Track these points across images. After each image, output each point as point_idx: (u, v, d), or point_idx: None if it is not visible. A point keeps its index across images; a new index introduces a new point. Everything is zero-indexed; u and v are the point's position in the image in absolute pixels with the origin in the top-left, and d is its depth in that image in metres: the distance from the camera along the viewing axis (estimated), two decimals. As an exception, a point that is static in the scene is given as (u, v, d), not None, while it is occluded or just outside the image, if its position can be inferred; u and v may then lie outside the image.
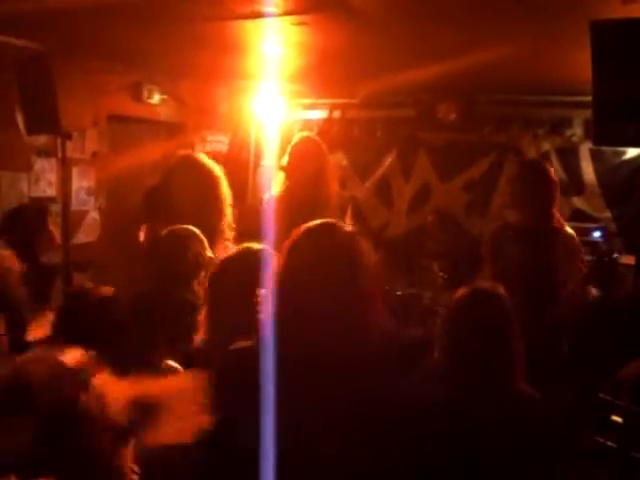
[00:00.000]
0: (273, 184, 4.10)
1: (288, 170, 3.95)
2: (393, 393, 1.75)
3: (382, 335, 1.77)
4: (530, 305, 3.40)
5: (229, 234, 3.69)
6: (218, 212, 3.70)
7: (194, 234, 3.31)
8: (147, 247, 3.46)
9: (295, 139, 4.10)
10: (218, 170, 3.81)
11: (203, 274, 3.33)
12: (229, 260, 2.40)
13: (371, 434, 1.63)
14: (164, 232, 3.32)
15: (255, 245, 2.39)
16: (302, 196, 3.88)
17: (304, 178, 3.90)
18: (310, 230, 1.84)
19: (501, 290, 2.38)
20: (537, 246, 3.72)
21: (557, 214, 3.87)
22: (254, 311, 1.83)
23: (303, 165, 3.91)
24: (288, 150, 4.05)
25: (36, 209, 4.29)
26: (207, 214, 3.60)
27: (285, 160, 4.02)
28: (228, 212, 3.74)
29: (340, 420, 1.61)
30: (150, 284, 3.18)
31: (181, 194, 3.61)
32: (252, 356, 1.67)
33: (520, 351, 2.28)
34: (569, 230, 3.88)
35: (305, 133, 4.40)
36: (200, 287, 3.31)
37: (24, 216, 4.06)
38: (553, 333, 3.61)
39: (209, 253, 3.30)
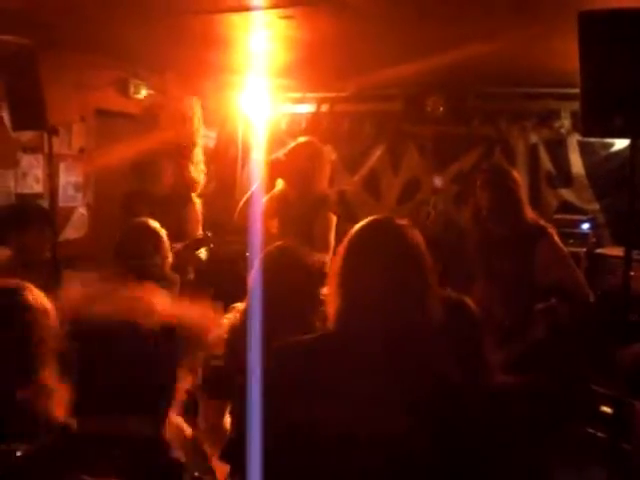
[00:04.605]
0: (262, 179, 4.24)
1: (281, 170, 4.15)
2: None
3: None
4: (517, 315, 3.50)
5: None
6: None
7: (148, 228, 3.34)
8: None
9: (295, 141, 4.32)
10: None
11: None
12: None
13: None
14: (125, 228, 3.37)
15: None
16: (293, 195, 4.12)
17: (295, 178, 4.11)
18: (366, 226, 1.88)
19: (468, 301, 2.38)
20: (517, 256, 3.66)
21: (530, 214, 3.77)
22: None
23: (295, 165, 4.09)
24: (286, 151, 4.25)
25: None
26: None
27: (279, 160, 4.21)
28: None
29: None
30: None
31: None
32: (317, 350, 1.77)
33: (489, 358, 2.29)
34: (548, 229, 3.77)
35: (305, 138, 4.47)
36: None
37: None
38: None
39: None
